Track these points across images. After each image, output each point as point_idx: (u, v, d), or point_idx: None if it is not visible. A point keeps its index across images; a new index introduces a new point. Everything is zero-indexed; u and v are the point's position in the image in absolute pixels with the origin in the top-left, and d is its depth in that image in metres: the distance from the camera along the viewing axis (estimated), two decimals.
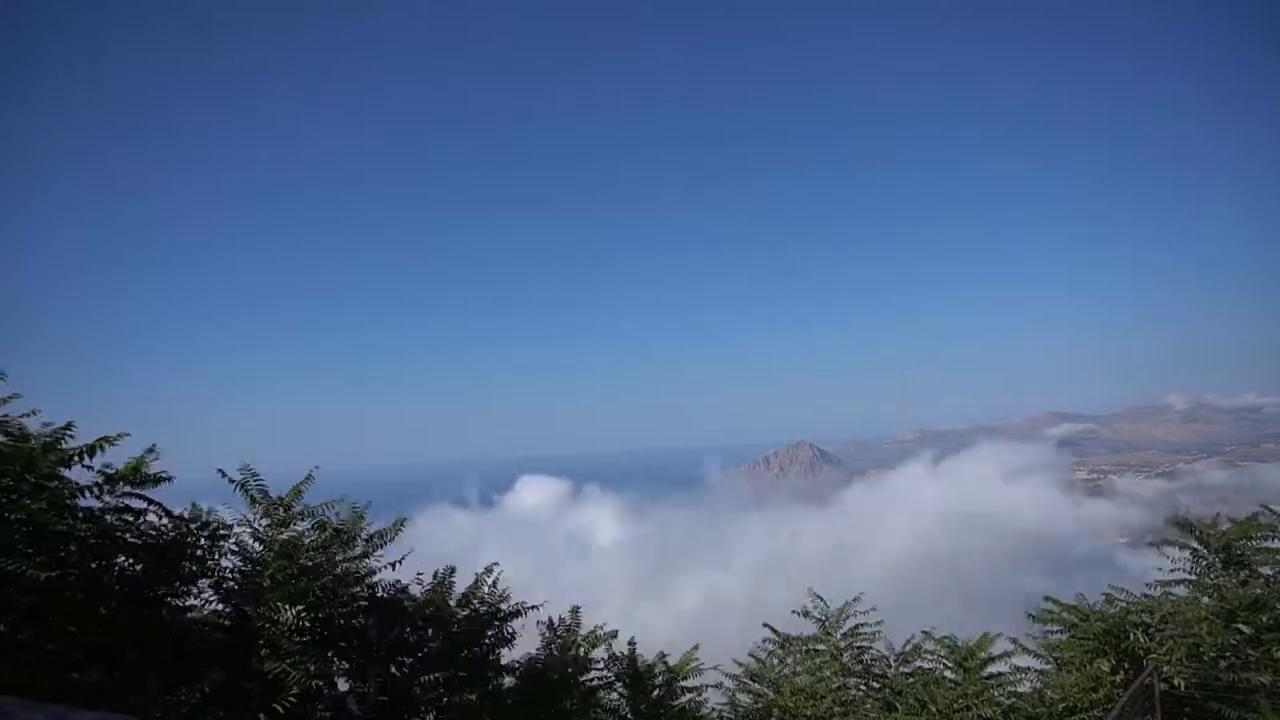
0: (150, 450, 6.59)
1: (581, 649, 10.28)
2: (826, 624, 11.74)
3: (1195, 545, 10.57)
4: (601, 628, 10.79)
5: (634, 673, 10.86)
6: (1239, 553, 10.19)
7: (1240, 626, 9.21)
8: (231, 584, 7.46)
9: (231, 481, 7.60)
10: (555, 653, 10.18)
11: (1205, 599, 9.97)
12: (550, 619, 10.51)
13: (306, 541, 7.68)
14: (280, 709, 6.59)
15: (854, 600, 11.82)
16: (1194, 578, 10.54)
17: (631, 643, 11.11)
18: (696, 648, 11.76)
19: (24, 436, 5.90)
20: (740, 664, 12.44)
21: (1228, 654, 9.32)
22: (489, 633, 9.44)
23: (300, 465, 8.11)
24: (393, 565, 8.44)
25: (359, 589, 8.09)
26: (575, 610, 10.78)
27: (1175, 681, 8.94)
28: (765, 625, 12.45)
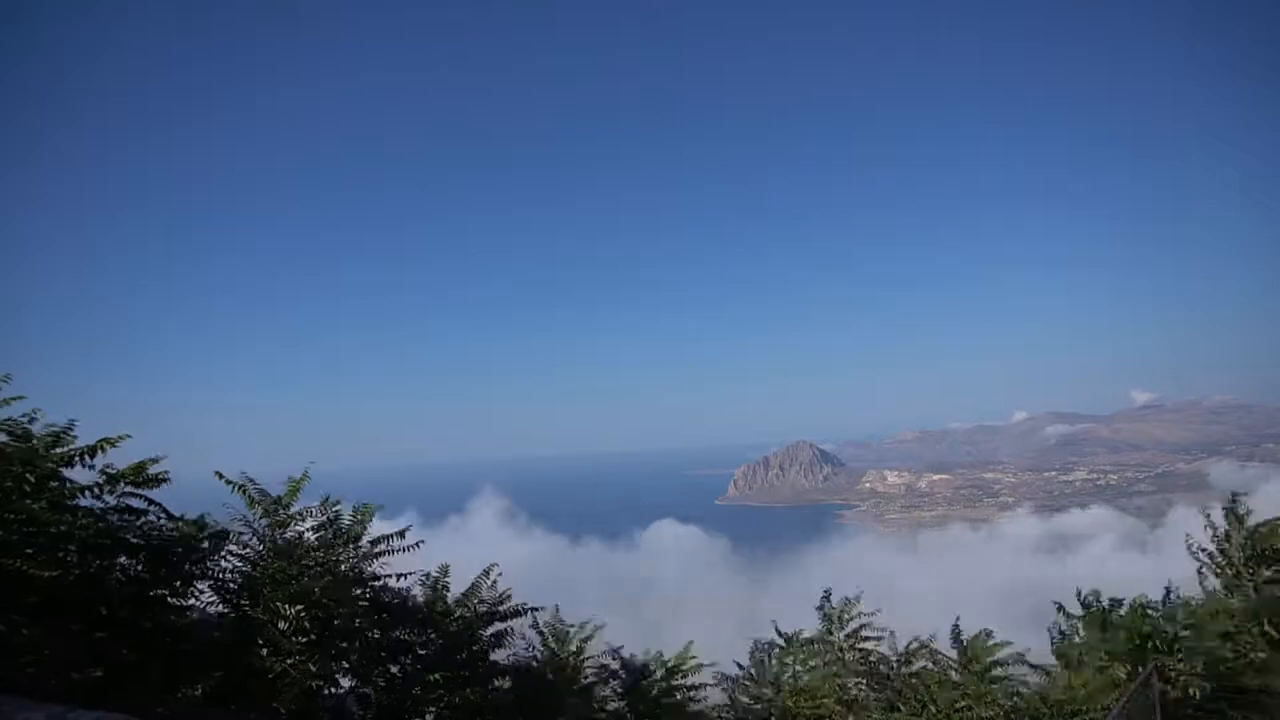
0: (155, 460, 6.59)
1: (575, 646, 10.30)
2: (830, 624, 11.71)
3: (1210, 548, 10.56)
4: (590, 622, 10.80)
5: (629, 671, 10.85)
6: (1263, 552, 10.14)
7: (1263, 629, 9.17)
8: (232, 584, 7.45)
9: (229, 483, 7.59)
10: (550, 651, 10.19)
11: (1219, 602, 9.94)
12: (536, 618, 10.53)
13: (307, 541, 7.67)
14: (281, 709, 6.59)
15: (857, 600, 11.79)
16: (1215, 575, 10.50)
17: (618, 649, 11.09)
18: (691, 643, 11.75)
19: (26, 437, 5.90)
20: (740, 664, 12.42)
21: (1243, 656, 9.28)
22: (488, 632, 9.45)
23: (301, 464, 8.08)
24: (399, 576, 8.44)
25: (360, 589, 8.08)
26: (556, 609, 10.76)
27: (1190, 691, 8.88)
28: (773, 622, 12.41)
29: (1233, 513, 10.71)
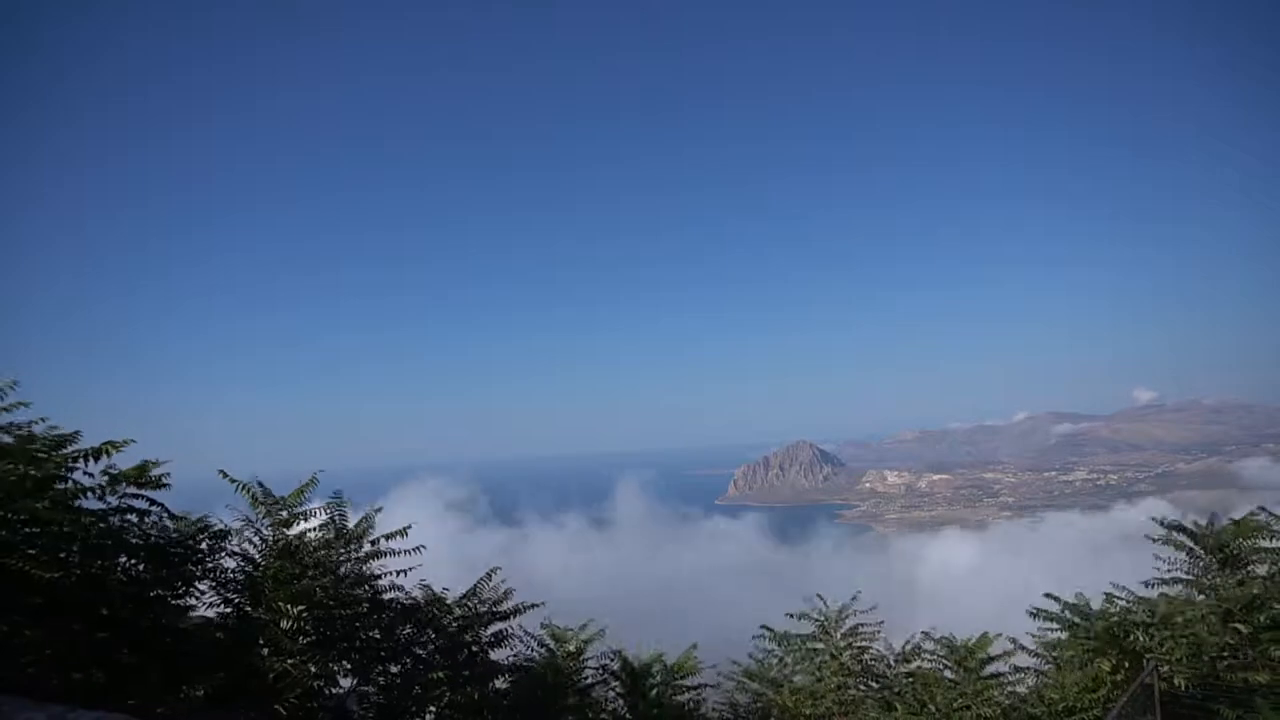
0: (157, 462, 6.61)
1: (574, 646, 10.33)
2: (825, 624, 11.72)
3: (1192, 545, 10.63)
4: (591, 623, 10.82)
5: (630, 671, 10.87)
6: (1236, 552, 10.24)
7: (1238, 626, 9.24)
8: (234, 584, 7.49)
9: (234, 482, 7.63)
10: (550, 652, 10.22)
11: (1203, 598, 10.01)
12: (545, 620, 10.57)
13: (309, 541, 7.71)
14: (282, 709, 6.61)
15: (853, 600, 11.81)
16: (1192, 578, 10.58)
17: (620, 650, 11.11)
18: (694, 646, 11.76)
19: (30, 439, 5.93)
20: (738, 664, 12.43)
21: (1226, 653, 9.35)
22: (488, 632, 9.48)
23: (302, 464, 8.13)
24: (399, 573, 8.47)
25: (361, 590, 8.12)
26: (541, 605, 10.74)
27: (1175, 681, 8.95)
28: (762, 626, 12.44)
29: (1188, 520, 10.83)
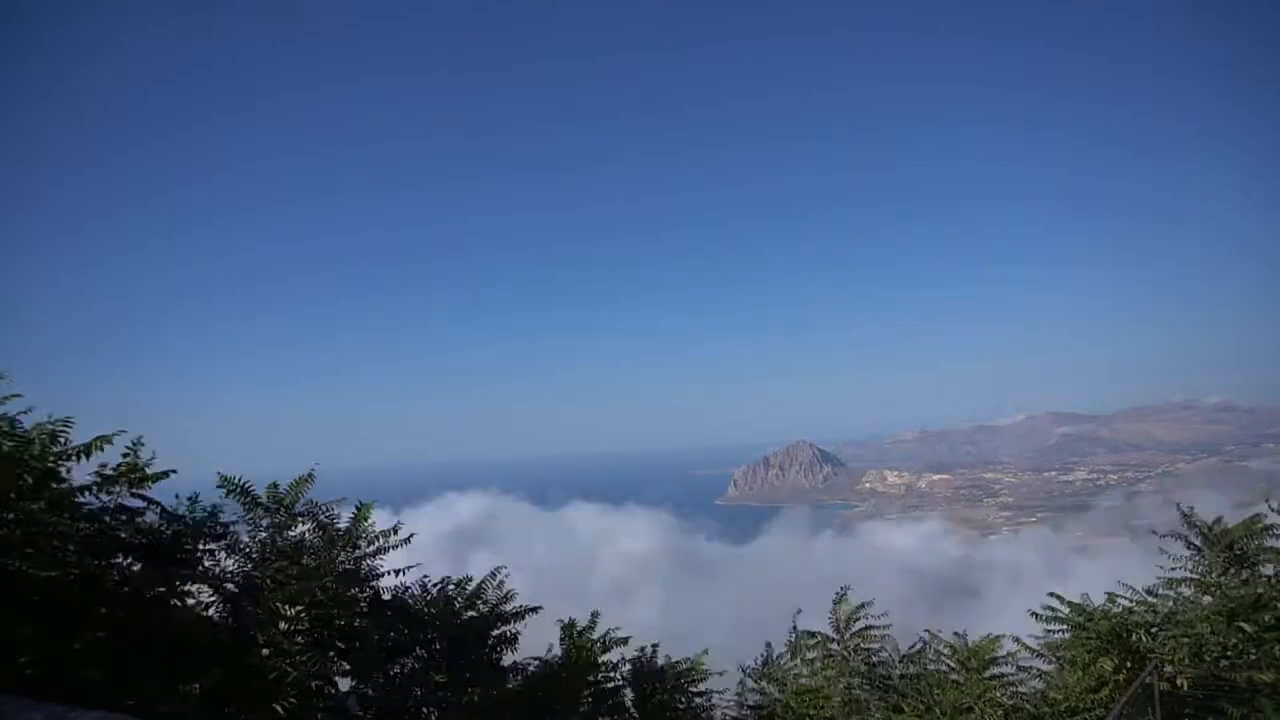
0: (138, 441, 6.40)
1: (591, 652, 10.25)
2: (838, 626, 11.70)
3: (1197, 545, 10.60)
4: (615, 630, 10.77)
5: (643, 675, 10.83)
6: (1241, 551, 10.22)
7: (1243, 625, 9.22)
8: (232, 584, 7.45)
9: (233, 486, 7.59)
10: (567, 654, 10.15)
11: (1207, 598, 9.99)
12: (567, 620, 10.55)
13: (308, 541, 7.67)
14: (280, 708, 6.58)
15: (867, 604, 11.80)
16: (1196, 577, 10.56)
17: (654, 646, 11.09)
18: (705, 652, 11.74)
19: (24, 436, 5.88)
20: (744, 668, 12.42)
21: (1230, 653, 9.32)
22: (493, 634, 9.43)
23: (302, 464, 8.09)
24: (397, 573, 8.43)
25: (361, 590, 8.08)
26: (594, 615, 10.76)
27: (1178, 681, 8.92)
28: (798, 610, 12.37)
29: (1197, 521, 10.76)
